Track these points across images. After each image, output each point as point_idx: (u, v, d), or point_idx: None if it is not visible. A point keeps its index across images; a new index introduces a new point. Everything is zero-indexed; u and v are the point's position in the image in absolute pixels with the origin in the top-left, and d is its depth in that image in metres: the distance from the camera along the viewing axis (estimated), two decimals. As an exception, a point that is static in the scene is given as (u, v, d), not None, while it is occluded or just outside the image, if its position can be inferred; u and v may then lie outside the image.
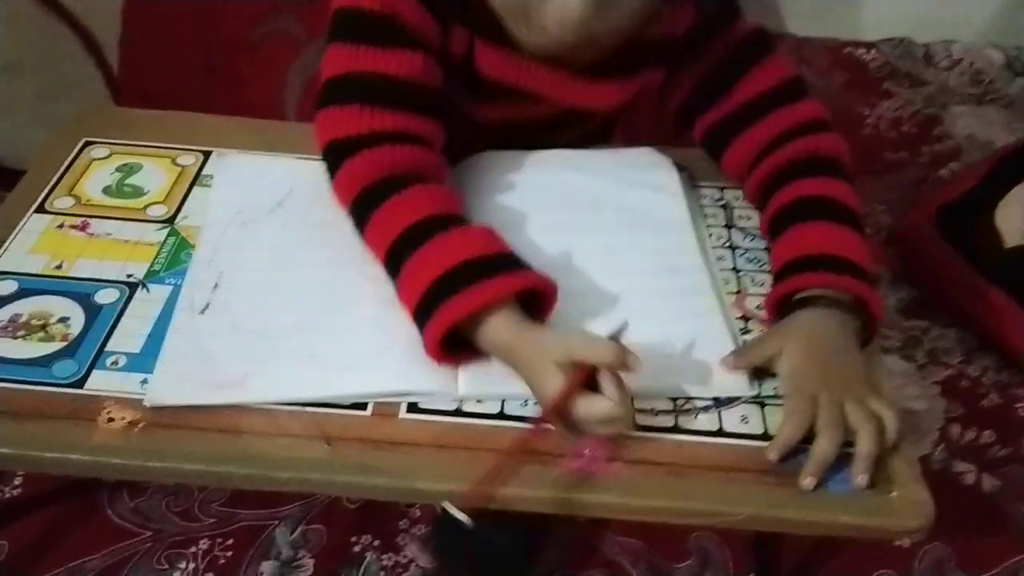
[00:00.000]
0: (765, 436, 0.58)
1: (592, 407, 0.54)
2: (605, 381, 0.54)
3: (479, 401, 0.59)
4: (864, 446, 0.55)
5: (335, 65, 0.65)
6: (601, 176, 0.74)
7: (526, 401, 0.58)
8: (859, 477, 0.55)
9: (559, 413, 0.54)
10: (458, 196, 0.66)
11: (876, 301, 0.61)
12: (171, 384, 0.57)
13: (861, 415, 0.56)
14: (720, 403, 0.59)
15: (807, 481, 0.54)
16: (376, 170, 0.62)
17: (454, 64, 0.68)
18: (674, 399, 0.59)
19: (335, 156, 0.64)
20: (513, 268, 0.58)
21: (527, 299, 0.58)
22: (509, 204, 0.71)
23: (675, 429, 0.58)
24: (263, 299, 0.63)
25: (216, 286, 0.64)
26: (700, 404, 0.59)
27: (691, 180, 0.77)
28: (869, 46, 1.60)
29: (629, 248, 0.69)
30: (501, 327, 0.57)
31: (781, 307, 0.63)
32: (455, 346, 0.58)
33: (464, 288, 0.56)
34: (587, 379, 0.54)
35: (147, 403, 0.56)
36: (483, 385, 0.58)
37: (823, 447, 0.55)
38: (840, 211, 0.65)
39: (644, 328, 0.59)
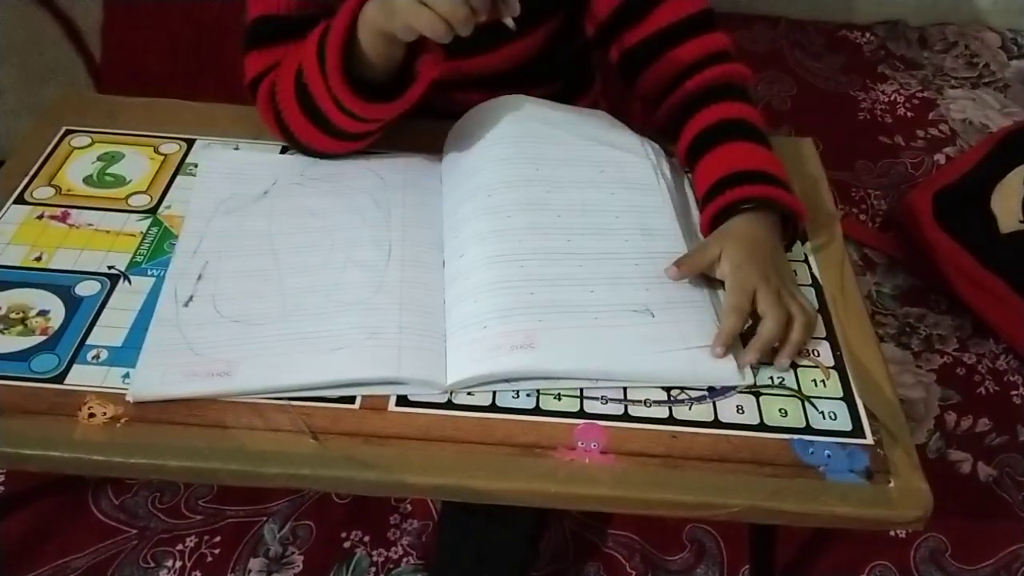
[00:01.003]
0: (761, 426, 0.57)
1: None
2: None
3: (469, 393, 0.57)
4: (796, 333, 0.61)
5: (248, 11, 0.71)
6: (569, 131, 0.73)
7: (517, 392, 0.57)
8: (783, 360, 0.60)
9: None
10: None
11: (797, 202, 0.67)
12: (155, 377, 0.56)
13: (795, 306, 0.62)
14: (715, 393, 0.58)
15: (749, 356, 0.59)
16: (269, 84, 0.70)
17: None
18: (668, 390, 0.58)
19: (253, 89, 0.72)
20: None
21: None
22: (476, 160, 0.70)
23: (670, 420, 0.57)
24: (248, 288, 0.62)
25: (200, 277, 0.63)
26: (694, 394, 0.58)
27: (666, 153, 0.76)
28: (864, 29, 1.59)
29: (603, 207, 0.68)
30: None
31: (714, 221, 0.66)
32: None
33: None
34: None
35: (130, 396, 0.55)
36: (471, 369, 0.57)
37: (768, 327, 0.60)
38: (752, 131, 0.71)
39: (623, 292, 0.62)
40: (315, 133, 0.69)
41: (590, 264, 0.63)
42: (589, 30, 0.78)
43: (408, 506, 0.94)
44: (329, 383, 0.56)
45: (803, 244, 0.70)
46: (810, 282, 0.67)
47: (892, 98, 1.46)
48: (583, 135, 0.73)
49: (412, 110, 0.68)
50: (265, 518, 0.92)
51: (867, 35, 1.58)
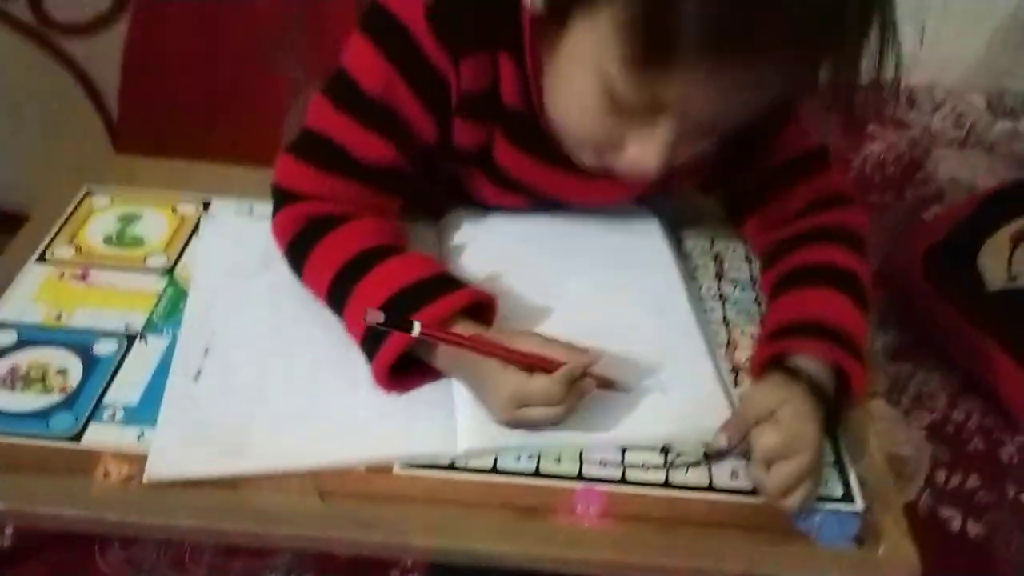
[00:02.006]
0: (756, 491, 0.58)
1: (533, 381, 0.56)
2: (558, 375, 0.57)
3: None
4: (782, 501, 0.57)
5: (315, 117, 0.65)
6: (581, 220, 0.75)
7: (519, 456, 0.59)
8: (750, 471, 0.58)
9: (517, 358, 0.57)
10: (398, 227, 0.68)
11: (857, 374, 0.61)
12: (170, 457, 0.57)
13: (803, 488, 0.57)
14: (710, 457, 0.60)
15: (765, 487, 0.57)
16: (316, 212, 0.65)
17: (466, 153, 0.68)
18: (665, 453, 0.60)
19: (280, 198, 0.66)
20: (453, 287, 0.61)
21: (472, 314, 0.61)
22: (495, 250, 0.72)
23: (666, 484, 0.59)
24: (256, 361, 0.63)
25: (208, 350, 0.64)
26: (690, 459, 0.60)
27: (669, 228, 0.78)
28: (855, 89, 1.64)
29: (617, 287, 0.70)
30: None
31: (769, 363, 0.63)
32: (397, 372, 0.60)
33: (413, 311, 0.58)
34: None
35: (147, 478, 0.56)
36: (482, 440, 0.59)
37: (795, 501, 0.56)
38: (849, 282, 0.66)
39: (635, 369, 0.63)
40: (310, 287, 0.66)
41: (605, 343, 0.64)
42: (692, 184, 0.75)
43: (408, 561, 0.94)
44: (340, 463, 0.58)
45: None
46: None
47: (882, 157, 1.50)
48: (600, 223, 0.75)
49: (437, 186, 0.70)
50: (269, 572, 0.92)
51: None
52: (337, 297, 0.63)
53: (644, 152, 0.58)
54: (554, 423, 0.58)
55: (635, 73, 0.53)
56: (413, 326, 0.55)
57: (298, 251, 0.65)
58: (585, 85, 0.56)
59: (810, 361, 0.61)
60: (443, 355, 0.60)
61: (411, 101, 0.63)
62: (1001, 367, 1.09)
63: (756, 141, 0.69)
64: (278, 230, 0.67)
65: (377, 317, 0.55)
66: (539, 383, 0.56)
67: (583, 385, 0.58)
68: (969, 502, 1.01)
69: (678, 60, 0.51)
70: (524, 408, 0.57)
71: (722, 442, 0.59)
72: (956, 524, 0.99)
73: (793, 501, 0.57)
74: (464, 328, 0.59)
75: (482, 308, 0.62)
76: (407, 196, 0.70)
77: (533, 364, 0.57)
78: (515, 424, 0.58)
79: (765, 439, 0.57)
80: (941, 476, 1.03)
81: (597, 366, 0.58)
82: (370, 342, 0.60)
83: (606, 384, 0.60)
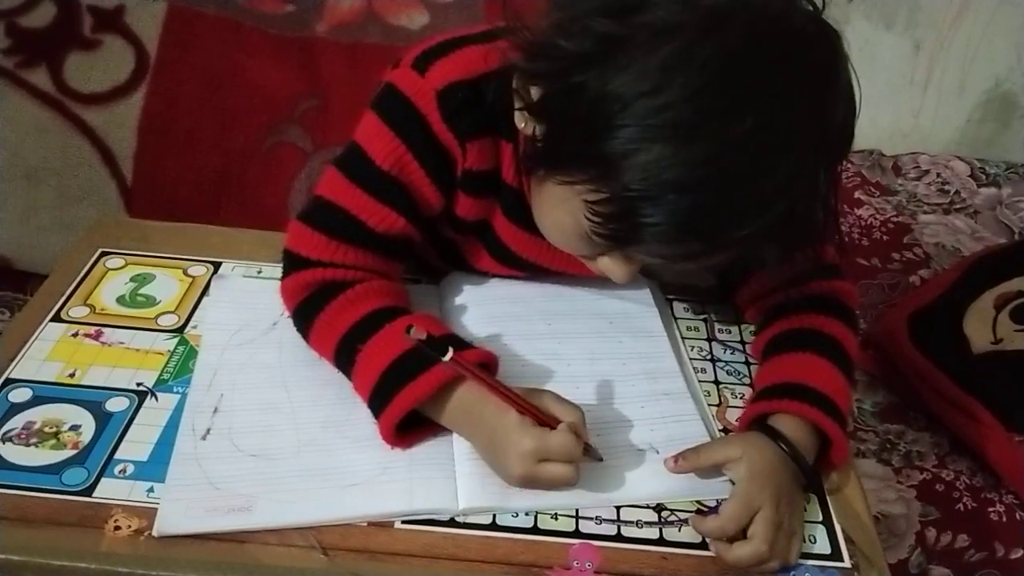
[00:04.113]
0: (745, 549, 0.60)
1: (556, 436, 0.58)
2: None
3: (472, 511, 0.61)
4: (764, 565, 0.59)
5: (327, 187, 0.68)
6: (575, 286, 0.78)
7: (517, 513, 0.61)
8: (731, 556, 0.58)
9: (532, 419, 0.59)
10: (403, 290, 0.70)
11: (836, 433, 0.63)
12: (178, 513, 0.58)
13: (781, 544, 0.59)
14: (703, 515, 0.62)
15: (703, 528, 0.60)
16: (325, 278, 0.67)
17: (468, 224, 0.72)
18: (659, 511, 0.62)
19: (290, 263, 0.69)
20: (462, 345, 0.63)
21: None
22: (489, 316, 0.75)
23: (660, 541, 0.60)
24: (263, 421, 0.65)
25: (216, 410, 0.66)
26: (683, 516, 0.62)
27: (662, 290, 0.81)
28: (841, 157, 1.69)
29: (610, 354, 0.73)
30: (466, 397, 0.61)
31: (752, 423, 0.66)
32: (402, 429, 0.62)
33: (419, 372, 0.60)
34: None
35: (156, 532, 0.58)
36: (482, 499, 0.61)
37: (742, 553, 0.58)
38: (835, 350, 0.68)
39: (628, 432, 0.66)
40: (316, 348, 0.68)
41: (598, 409, 0.67)
42: None
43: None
44: (343, 519, 0.60)
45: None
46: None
47: (868, 222, 1.54)
48: (593, 289, 0.78)
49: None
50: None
51: (844, 163, 1.68)
52: (345, 356, 0.65)
53: (616, 269, 0.62)
54: (570, 483, 0.60)
55: (602, 237, 0.57)
56: (448, 352, 0.58)
57: (306, 314, 0.68)
58: (563, 217, 0.60)
59: (788, 420, 0.64)
60: (452, 411, 0.62)
61: (419, 174, 0.66)
62: (988, 429, 1.11)
63: None
64: (287, 294, 0.69)
65: (420, 334, 0.58)
66: (560, 439, 0.58)
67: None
68: (959, 560, 1.01)
69: (638, 243, 0.56)
70: (543, 464, 0.59)
71: (669, 466, 0.62)
72: (947, 584, 1.00)
73: (773, 560, 0.58)
74: (467, 387, 0.62)
75: (486, 368, 0.64)
76: (410, 263, 0.73)
77: (547, 422, 0.59)
78: (531, 480, 0.59)
79: (714, 521, 0.60)
80: (931, 535, 1.04)
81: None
82: (378, 400, 0.62)
83: (586, 450, 0.62)
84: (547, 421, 0.60)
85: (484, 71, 0.62)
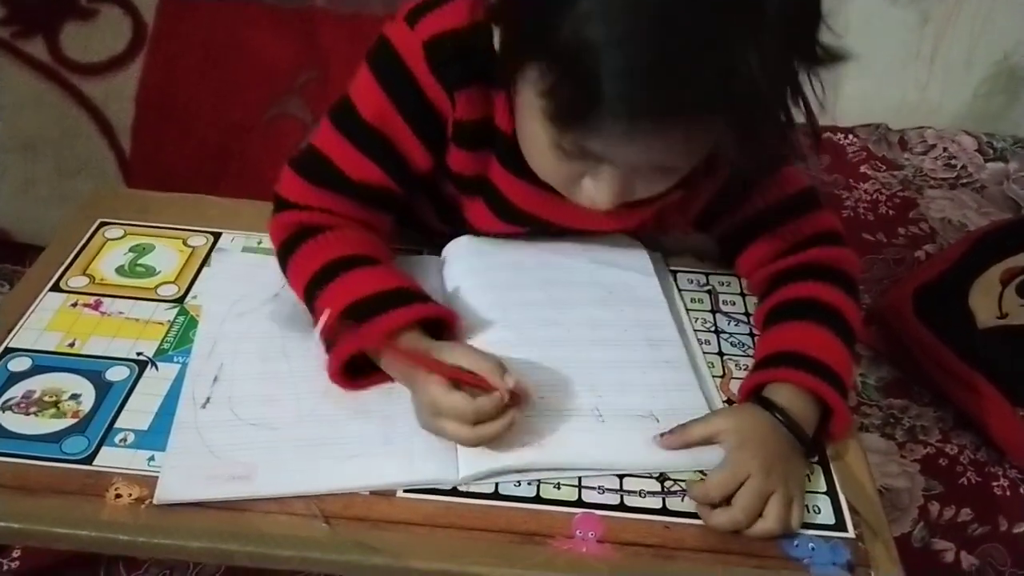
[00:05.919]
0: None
1: (448, 395, 0.58)
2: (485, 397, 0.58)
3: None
4: (763, 527, 0.58)
5: (319, 137, 0.70)
6: (575, 256, 0.78)
7: (519, 481, 0.61)
8: (715, 520, 0.58)
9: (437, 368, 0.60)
10: (378, 241, 0.71)
11: (837, 403, 0.63)
12: (178, 481, 0.59)
13: (775, 510, 0.59)
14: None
15: (691, 494, 0.60)
16: (304, 221, 0.69)
17: (464, 180, 0.72)
18: (662, 481, 0.62)
19: (276, 205, 0.71)
20: (409, 301, 0.64)
21: (433, 328, 0.65)
22: (489, 284, 0.74)
23: (663, 511, 0.60)
24: (263, 390, 0.65)
25: (216, 379, 0.66)
26: (686, 486, 0.62)
27: (665, 260, 0.81)
28: (847, 131, 1.67)
29: (610, 322, 0.72)
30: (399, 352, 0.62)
31: (752, 394, 0.65)
32: (358, 371, 0.65)
33: (367, 319, 0.62)
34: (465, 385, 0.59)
35: (156, 500, 0.58)
36: (481, 465, 0.61)
37: (720, 519, 0.59)
38: (834, 318, 0.67)
39: (630, 397, 0.65)
40: (293, 287, 0.70)
41: (599, 373, 0.67)
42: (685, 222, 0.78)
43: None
44: (345, 489, 0.59)
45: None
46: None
47: (874, 197, 1.53)
48: (592, 259, 0.78)
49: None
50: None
51: (850, 137, 1.66)
52: (309, 300, 0.67)
53: (596, 191, 0.62)
54: (465, 443, 0.60)
55: (560, 130, 0.57)
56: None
57: (283, 256, 0.70)
58: (535, 132, 0.60)
59: (786, 390, 0.64)
60: (387, 362, 0.64)
61: (404, 130, 0.67)
62: (992, 403, 1.10)
63: (747, 182, 0.71)
64: (272, 234, 0.71)
65: (325, 316, 0.61)
66: (451, 399, 0.59)
67: (511, 415, 0.59)
68: (963, 534, 1.01)
69: (593, 123, 0.54)
70: (438, 417, 0.60)
71: (659, 443, 0.62)
72: (950, 556, 1.00)
73: (766, 525, 0.58)
74: (410, 340, 0.62)
75: (444, 325, 0.65)
76: (400, 217, 0.74)
77: (457, 378, 0.59)
78: (431, 431, 0.61)
79: (702, 486, 0.60)
80: (935, 509, 1.04)
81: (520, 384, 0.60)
82: (328, 343, 0.64)
83: (515, 400, 0.60)
84: (461, 379, 0.59)
85: (473, 21, 0.62)
